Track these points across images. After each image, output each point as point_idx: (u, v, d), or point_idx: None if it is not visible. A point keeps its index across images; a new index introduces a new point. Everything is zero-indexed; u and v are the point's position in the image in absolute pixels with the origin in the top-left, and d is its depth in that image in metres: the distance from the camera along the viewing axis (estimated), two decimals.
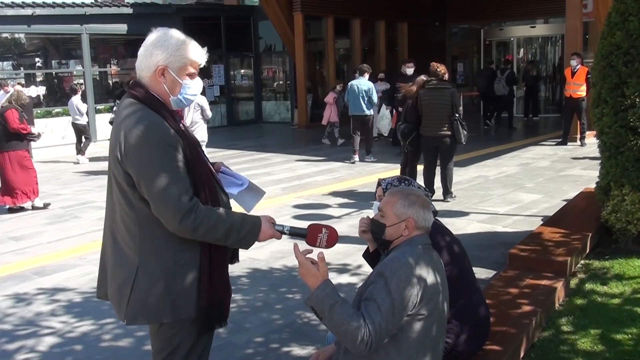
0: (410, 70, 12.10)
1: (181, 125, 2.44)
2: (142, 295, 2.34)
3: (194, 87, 2.47)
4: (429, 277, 2.42)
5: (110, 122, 11.44)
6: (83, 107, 13.92)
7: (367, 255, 3.17)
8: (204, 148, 10.25)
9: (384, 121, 13.65)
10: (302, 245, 2.47)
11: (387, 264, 2.45)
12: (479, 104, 20.54)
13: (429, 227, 2.60)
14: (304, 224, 2.62)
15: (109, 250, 2.49)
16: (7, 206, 8.74)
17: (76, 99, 13.75)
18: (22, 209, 8.79)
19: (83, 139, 13.96)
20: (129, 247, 2.37)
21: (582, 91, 12.44)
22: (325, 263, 2.38)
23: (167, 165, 2.27)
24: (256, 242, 2.46)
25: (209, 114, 9.62)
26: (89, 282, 5.59)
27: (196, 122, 9.40)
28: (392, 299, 2.34)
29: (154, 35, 2.40)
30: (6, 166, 8.62)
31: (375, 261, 2.99)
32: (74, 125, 13.92)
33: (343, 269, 5.68)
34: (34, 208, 8.86)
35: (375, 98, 12.10)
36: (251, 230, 2.42)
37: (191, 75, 2.44)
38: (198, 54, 2.44)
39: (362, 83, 12.03)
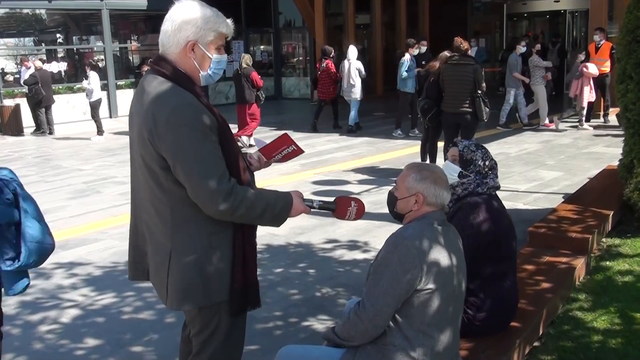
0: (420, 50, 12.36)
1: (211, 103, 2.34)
2: (177, 280, 2.29)
3: (222, 61, 2.37)
4: (436, 252, 2.40)
5: None
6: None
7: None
8: (357, 104, 12.48)
9: None
10: (329, 220, 2.48)
11: (389, 239, 2.48)
12: (500, 80, 20.27)
13: (442, 204, 2.56)
14: (327, 200, 2.63)
15: (136, 233, 2.46)
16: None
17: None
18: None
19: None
20: (160, 231, 2.31)
21: (606, 67, 12.21)
22: None
23: (203, 147, 2.17)
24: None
25: (364, 74, 12.52)
26: (111, 255, 5.66)
27: (354, 82, 12.26)
28: (392, 272, 2.36)
29: (179, 9, 2.25)
30: (242, 115, 11.56)
31: None
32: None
33: (362, 246, 5.69)
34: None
35: (403, 73, 11.87)
36: (284, 206, 2.39)
37: (219, 49, 2.34)
38: (226, 25, 2.32)
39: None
